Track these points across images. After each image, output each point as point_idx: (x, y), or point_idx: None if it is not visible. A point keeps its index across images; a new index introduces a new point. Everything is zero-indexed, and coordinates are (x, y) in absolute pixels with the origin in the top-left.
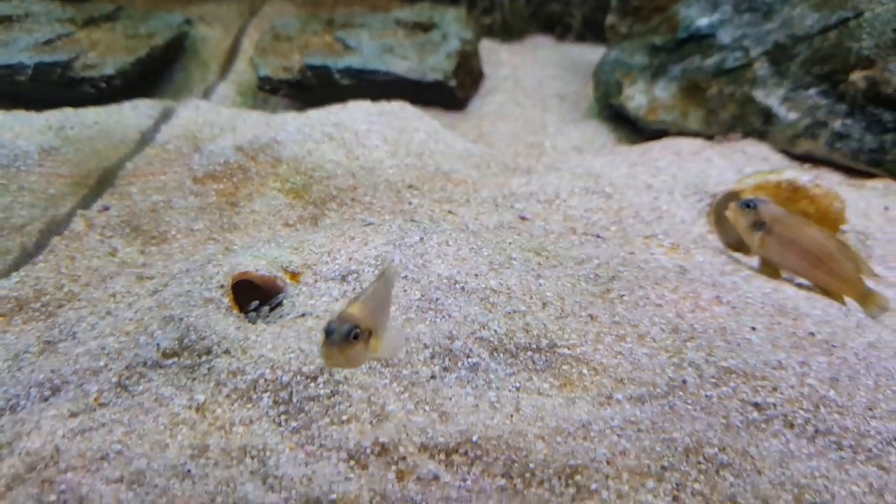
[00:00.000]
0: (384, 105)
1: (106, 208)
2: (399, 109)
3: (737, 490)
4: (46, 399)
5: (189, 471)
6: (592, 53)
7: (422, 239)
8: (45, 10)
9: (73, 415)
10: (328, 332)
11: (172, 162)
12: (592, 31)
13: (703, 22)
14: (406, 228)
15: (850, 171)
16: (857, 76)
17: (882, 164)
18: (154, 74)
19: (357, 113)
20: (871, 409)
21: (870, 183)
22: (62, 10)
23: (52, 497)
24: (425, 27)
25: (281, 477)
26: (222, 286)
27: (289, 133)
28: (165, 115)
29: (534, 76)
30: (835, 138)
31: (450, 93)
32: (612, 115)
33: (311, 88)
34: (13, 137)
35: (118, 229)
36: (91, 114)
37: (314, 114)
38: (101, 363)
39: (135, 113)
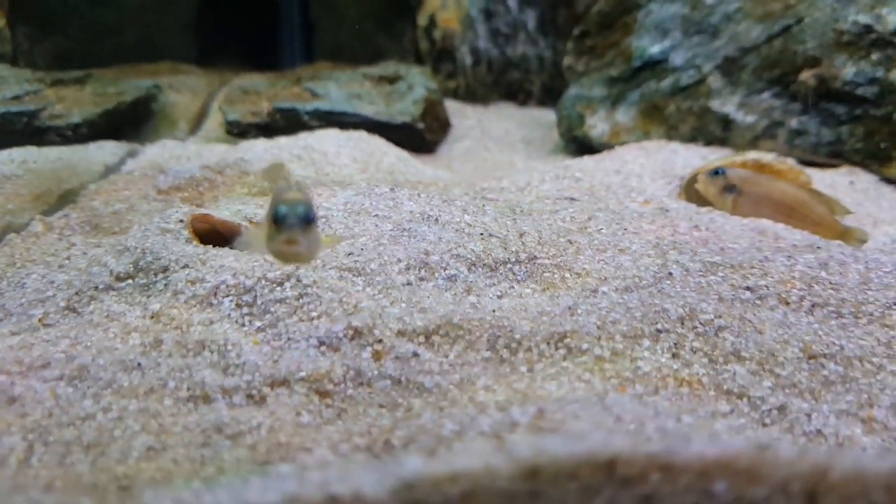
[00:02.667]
0: (352, 133)
1: (66, 216)
2: (367, 136)
3: (739, 346)
4: None
5: (139, 364)
6: (552, 115)
7: (392, 189)
8: (14, 73)
9: (14, 334)
10: (282, 218)
11: (137, 182)
12: (551, 97)
13: (655, 49)
14: (375, 185)
15: (813, 165)
16: (806, 75)
17: (842, 153)
18: (122, 130)
19: (326, 139)
20: (864, 283)
21: (832, 171)
22: (32, 74)
23: None
24: (391, 80)
25: (243, 364)
26: (181, 221)
27: (256, 153)
28: (132, 153)
29: (499, 127)
30: (793, 135)
31: (418, 135)
32: (577, 148)
33: (280, 130)
34: None
35: (77, 228)
36: (55, 151)
37: (283, 139)
38: (49, 293)
39: (100, 151)
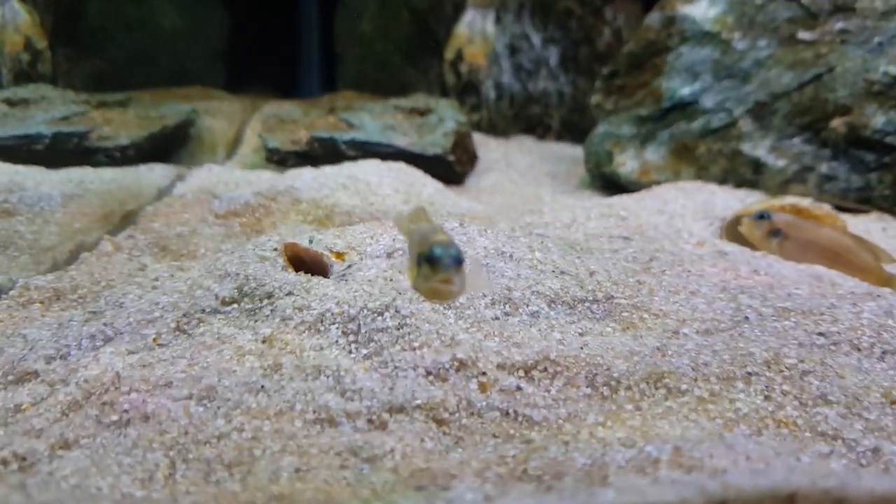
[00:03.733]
0: (392, 164)
1: (131, 236)
2: (407, 168)
3: (826, 390)
4: (99, 348)
5: (263, 386)
6: (572, 149)
7: (461, 224)
8: (60, 95)
9: (132, 352)
10: (437, 259)
11: (193, 206)
12: (569, 132)
13: (685, 91)
14: (443, 221)
15: (842, 210)
16: (837, 123)
17: (871, 199)
18: (164, 153)
19: (368, 169)
20: None
21: (862, 216)
22: (76, 95)
23: (114, 417)
24: (422, 112)
25: (360, 389)
26: (276, 249)
27: (305, 181)
28: (180, 176)
29: (523, 160)
30: (823, 180)
31: (448, 167)
32: (605, 184)
33: (318, 158)
34: (36, 184)
35: (146, 249)
36: (108, 172)
37: (328, 169)
38: (156, 314)
39: (151, 174)
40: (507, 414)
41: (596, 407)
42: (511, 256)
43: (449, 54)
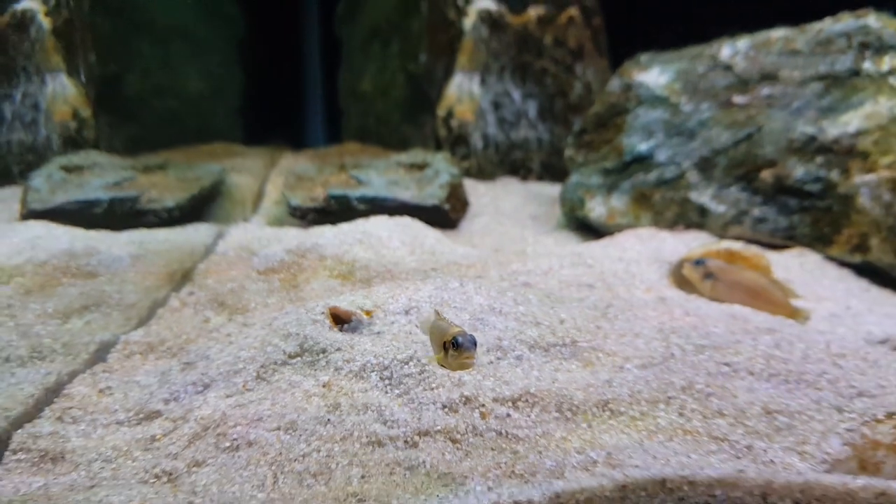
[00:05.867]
0: (398, 219)
1: (192, 293)
2: (410, 222)
3: (722, 407)
4: (201, 392)
5: (329, 419)
6: (551, 189)
7: (461, 284)
8: (109, 160)
9: (229, 396)
10: (460, 344)
11: (236, 263)
12: (549, 173)
13: (642, 147)
14: (447, 280)
15: (772, 246)
16: (765, 174)
17: (794, 237)
18: (201, 210)
19: (379, 224)
20: (804, 358)
21: (787, 252)
22: (122, 161)
23: (227, 444)
24: (420, 166)
25: (396, 420)
26: (323, 313)
27: (327, 239)
28: (220, 235)
29: (509, 204)
30: (756, 222)
31: (444, 215)
32: (578, 226)
33: (334, 213)
34: (107, 248)
35: (207, 305)
36: (162, 233)
37: (345, 226)
38: (240, 366)
39: (196, 232)
40: (501, 434)
41: (561, 426)
42: (500, 311)
43: (441, 111)
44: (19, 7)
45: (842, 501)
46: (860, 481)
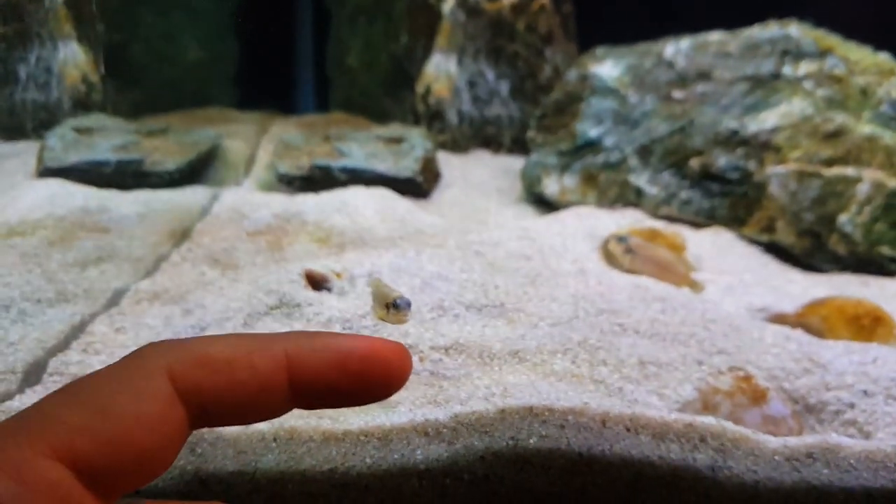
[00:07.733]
0: (375, 189)
1: (190, 250)
2: (385, 192)
3: (607, 358)
4: (199, 333)
5: None
6: (518, 162)
7: (417, 254)
8: (115, 124)
9: None
10: (398, 305)
11: (228, 224)
12: (518, 146)
13: (592, 133)
14: (405, 250)
15: (695, 224)
16: (694, 162)
17: (714, 217)
18: (199, 172)
19: (356, 194)
20: (682, 322)
21: (707, 230)
22: (127, 125)
23: None
24: (398, 140)
25: None
26: (299, 274)
27: (309, 206)
28: (215, 197)
29: (478, 174)
30: (683, 204)
31: (417, 186)
32: (535, 200)
33: (318, 181)
34: (116, 206)
35: (203, 261)
36: (164, 194)
37: (325, 195)
38: (230, 314)
39: (194, 194)
40: (433, 373)
41: (479, 369)
42: (447, 278)
43: (420, 89)
44: None
45: (660, 428)
46: (674, 415)
